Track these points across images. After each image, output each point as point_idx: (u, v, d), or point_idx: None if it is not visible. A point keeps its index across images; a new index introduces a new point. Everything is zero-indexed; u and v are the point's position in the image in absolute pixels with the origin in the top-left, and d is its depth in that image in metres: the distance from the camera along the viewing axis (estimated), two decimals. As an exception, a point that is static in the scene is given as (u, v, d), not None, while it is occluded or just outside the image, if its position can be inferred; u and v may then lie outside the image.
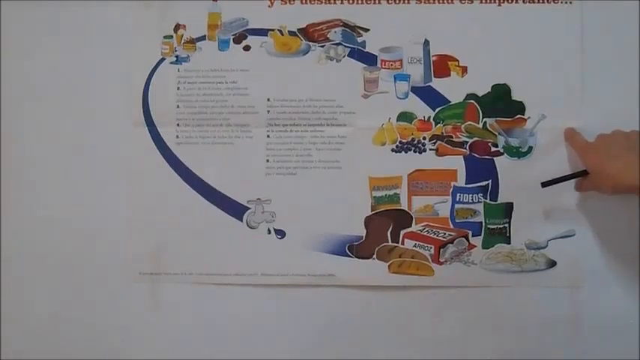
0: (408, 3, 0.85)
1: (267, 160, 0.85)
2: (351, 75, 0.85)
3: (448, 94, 0.84)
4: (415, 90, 0.84)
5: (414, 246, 0.83)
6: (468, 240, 0.83)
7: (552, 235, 0.83)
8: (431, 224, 0.84)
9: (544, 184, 0.80)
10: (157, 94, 0.85)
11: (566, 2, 0.84)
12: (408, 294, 0.84)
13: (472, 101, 0.84)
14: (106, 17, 0.86)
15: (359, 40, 0.85)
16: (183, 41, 0.86)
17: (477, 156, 0.84)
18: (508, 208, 0.83)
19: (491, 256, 0.83)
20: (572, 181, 0.81)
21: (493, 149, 0.84)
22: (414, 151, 0.84)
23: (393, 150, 0.84)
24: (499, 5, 0.84)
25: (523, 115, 0.84)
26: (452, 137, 0.84)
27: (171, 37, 0.86)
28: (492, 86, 0.84)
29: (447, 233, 0.83)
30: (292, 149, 0.85)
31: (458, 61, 0.84)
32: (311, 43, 0.85)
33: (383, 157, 0.84)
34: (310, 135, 0.85)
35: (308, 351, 0.84)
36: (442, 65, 0.84)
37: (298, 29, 0.85)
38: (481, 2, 0.84)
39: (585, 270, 0.83)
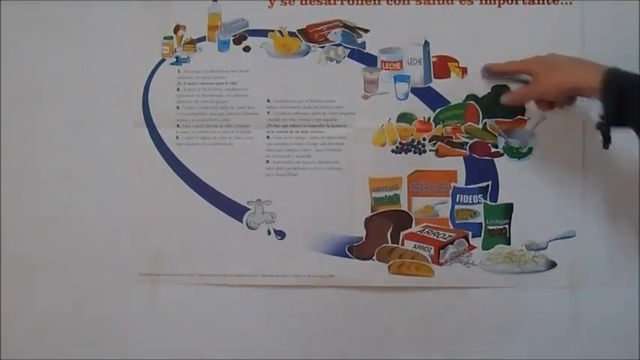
0: (408, 4, 0.84)
1: (267, 161, 0.85)
2: (351, 76, 0.84)
3: (448, 94, 0.84)
4: (415, 91, 0.84)
5: (414, 247, 0.83)
6: (467, 241, 0.83)
7: (552, 236, 0.83)
8: (431, 225, 0.84)
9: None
10: (157, 95, 0.85)
11: (566, 2, 0.84)
12: (407, 295, 0.84)
13: (472, 102, 0.84)
14: (106, 17, 0.86)
15: (359, 40, 0.85)
16: (183, 42, 0.85)
17: (476, 157, 0.84)
18: (508, 209, 0.83)
19: (491, 257, 0.83)
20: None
21: (493, 150, 0.84)
22: (414, 152, 0.84)
23: (393, 151, 0.84)
24: (499, 6, 0.84)
25: (523, 115, 0.84)
26: (452, 138, 0.84)
27: (171, 37, 0.86)
28: (492, 87, 0.84)
29: (447, 234, 0.83)
30: (292, 150, 0.84)
31: (458, 62, 0.84)
32: (311, 44, 0.85)
33: (383, 157, 0.84)
34: (310, 136, 0.84)
35: (308, 351, 0.84)
36: (442, 66, 0.84)
37: (298, 30, 0.85)
38: (481, 3, 0.84)
39: (585, 271, 0.83)
